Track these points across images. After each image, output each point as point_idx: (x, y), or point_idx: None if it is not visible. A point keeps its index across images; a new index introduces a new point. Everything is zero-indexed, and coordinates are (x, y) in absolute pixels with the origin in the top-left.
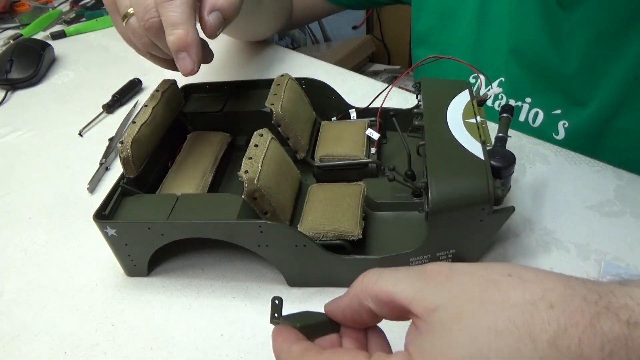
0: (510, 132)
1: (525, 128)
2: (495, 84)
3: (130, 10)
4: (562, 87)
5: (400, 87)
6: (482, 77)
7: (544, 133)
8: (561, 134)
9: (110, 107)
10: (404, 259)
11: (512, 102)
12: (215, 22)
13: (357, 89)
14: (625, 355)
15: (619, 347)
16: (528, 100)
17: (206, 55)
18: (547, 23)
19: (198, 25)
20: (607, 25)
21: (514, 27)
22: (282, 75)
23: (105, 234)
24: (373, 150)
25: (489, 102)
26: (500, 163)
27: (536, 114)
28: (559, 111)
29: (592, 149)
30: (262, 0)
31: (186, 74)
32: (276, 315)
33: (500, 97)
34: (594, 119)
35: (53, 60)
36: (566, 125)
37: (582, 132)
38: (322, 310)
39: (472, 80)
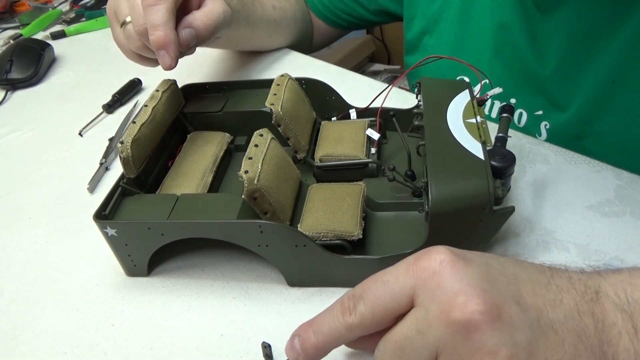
0: (510, 132)
1: (512, 128)
2: (482, 83)
3: (128, 19)
4: (542, 89)
5: (400, 87)
6: (481, 77)
7: (528, 133)
8: (543, 135)
9: (110, 107)
10: None
11: (498, 103)
12: (187, 37)
13: (357, 89)
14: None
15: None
16: (513, 100)
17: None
18: (526, 26)
19: None
20: (582, 29)
21: (495, 30)
22: (282, 75)
23: (105, 234)
24: (373, 150)
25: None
26: (501, 163)
27: (520, 114)
28: (540, 112)
29: (573, 151)
30: (252, 21)
31: (166, 69)
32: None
33: (488, 98)
34: (573, 121)
35: (53, 60)
36: (547, 127)
37: (563, 134)
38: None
39: None
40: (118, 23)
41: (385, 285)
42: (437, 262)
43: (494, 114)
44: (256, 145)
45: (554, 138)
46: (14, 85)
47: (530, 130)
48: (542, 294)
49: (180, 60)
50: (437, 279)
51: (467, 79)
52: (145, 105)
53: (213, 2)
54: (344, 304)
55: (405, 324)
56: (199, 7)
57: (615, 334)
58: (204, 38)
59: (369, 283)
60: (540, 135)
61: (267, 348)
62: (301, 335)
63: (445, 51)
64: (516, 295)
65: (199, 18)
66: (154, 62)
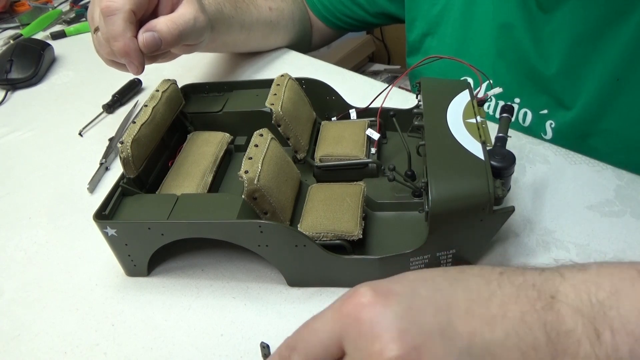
0: (510, 132)
1: (517, 128)
2: (484, 85)
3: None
4: (547, 88)
5: (400, 87)
6: (480, 76)
7: (533, 133)
8: (549, 134)
9: (110, 107)
10: (404, 259)
11: (501, 103)
12: (148, 40)
13: (357, 89)
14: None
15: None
16: (517, 100)
17: (156, 58)
18: (529, 26)
19: None
20: (585, 28)
21: (497, 30)
22: (282, 75)
23: (105, 234)
24: (373, 150)
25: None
26: (500, 163)
27: (525, 113)
28: (545, 111)
29: (579, 150)
30: (247, 25)
31: (135, 74)
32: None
33: (490, 98)
34: (579, 119)
35: (53, 60)
36: (553, 126)
37: (568, 133)
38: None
39: None
40: (93, 29)
41: (315, 335)
42: (358, 306)
43: (498, 115)
44: (256, 145)
45: (559, 137)
46: (14, 85)
47: (536, 129)
48: (480, 313)
49: (180, 60)
50: (358, 326)
51: (470, 80)
52: (145, 105)
53: (185, 7)
54: (282, 354)
55: None
56: (171, 12)
57: (574, 342)
58: (169, 42)
59: (301, 331)
60: (545, 134)
61: (265, 348)
62: None
63: (448, 53)
64: (442, 326)
65: (162, 22)
66: (125, 67)
